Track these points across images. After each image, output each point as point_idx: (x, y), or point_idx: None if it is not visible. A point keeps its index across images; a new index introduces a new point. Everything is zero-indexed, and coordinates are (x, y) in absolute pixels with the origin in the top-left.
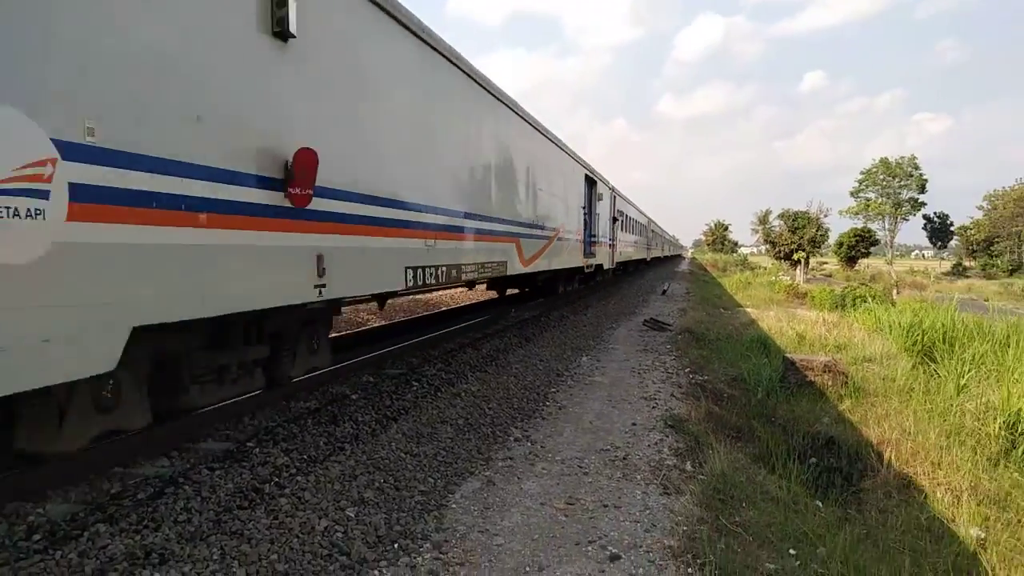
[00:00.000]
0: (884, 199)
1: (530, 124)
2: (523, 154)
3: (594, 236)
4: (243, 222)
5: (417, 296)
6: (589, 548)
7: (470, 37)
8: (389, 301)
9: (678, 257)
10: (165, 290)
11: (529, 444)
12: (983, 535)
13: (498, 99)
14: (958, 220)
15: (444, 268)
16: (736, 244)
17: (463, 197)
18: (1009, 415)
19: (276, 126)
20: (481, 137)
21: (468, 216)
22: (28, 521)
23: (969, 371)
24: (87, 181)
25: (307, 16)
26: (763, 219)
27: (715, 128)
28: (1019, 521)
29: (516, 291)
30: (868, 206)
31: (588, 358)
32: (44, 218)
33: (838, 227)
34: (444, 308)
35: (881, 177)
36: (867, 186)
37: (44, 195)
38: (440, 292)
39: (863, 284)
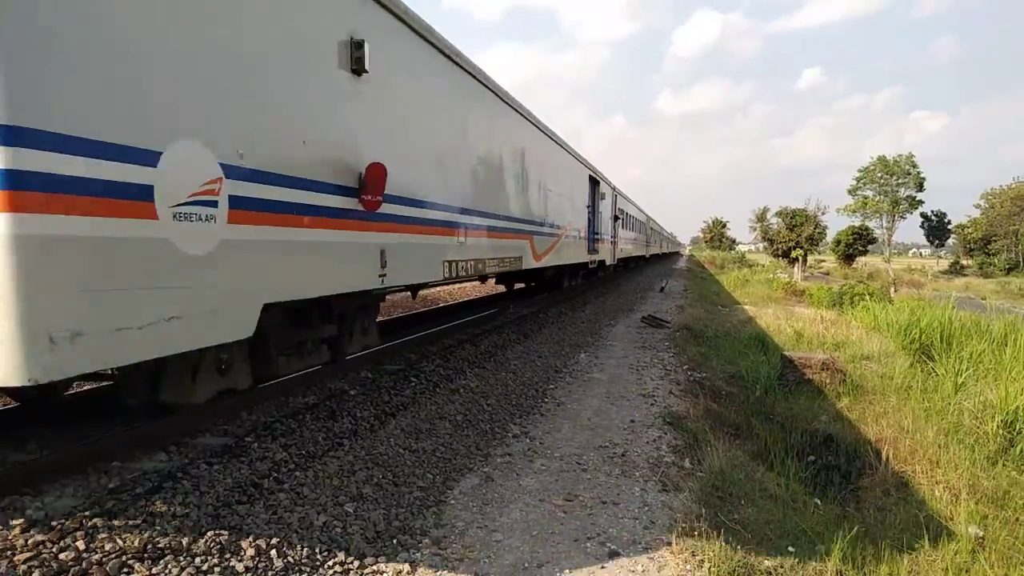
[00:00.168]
0: (882, 197)
1: (541, 130)
2: (536, 159)
3: (597, 234)
4: (330, 223)
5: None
6: (588, 544)
7: (466, 31)
8: (410, 293)
9: (676, 254)
10: (284, 276)
11: (528, 440)
12: (981, 533)
13: (515, 109)
14: (956, 218)
15: (472, 262)
16: (734, 241)
17: (488, 199)
18: (1007, 413)
19: (353, 145)
20: (502, 145)
21: (491, 216)
22: (27, 515)
23: (967, 369)
24: (239, 194)
25: (376, 54)
26: (761, 216)
27: (713, 125)
28: (1017, 519)
29: (523, 285)
30: (866, 204)
31: (586, 355)
32: (214, 222)
33: (836, 225)
34: (442, 304)
35: (879, 175)
36: (865, 184)
37: (215, 204)
38: (437, 288)
39: (861, 282)
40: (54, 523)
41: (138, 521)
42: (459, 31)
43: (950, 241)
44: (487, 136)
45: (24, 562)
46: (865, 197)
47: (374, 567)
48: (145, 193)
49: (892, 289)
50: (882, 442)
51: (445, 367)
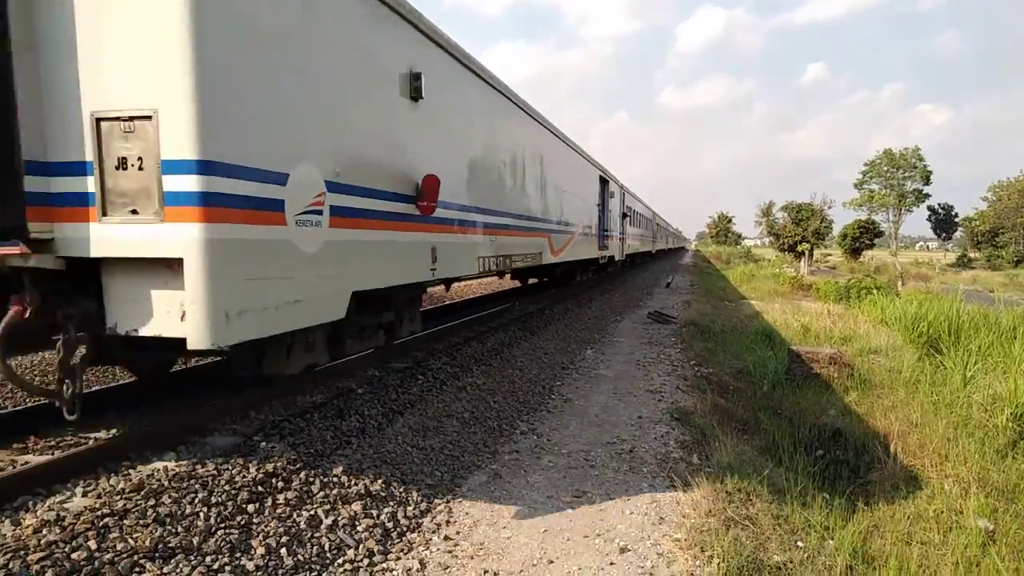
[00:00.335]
0: (888, 191)
1: (556, 136)
2: (553, 162)
3: (607, 231)
4: (396, 226)
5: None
6: (597, 541)
7: (470, 29)
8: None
9: (682, 250)
10: (365, 269)
11: (535, 437)
12: (992, 527)
13: (534, 119)
14: (963, 211)
15: (501, 258)
16: (740, 236)
17: (513, 202)
18: (1017, 406)
19: (412, 160)
20: (525, 152)
21: (516, 217)
22: (39, 515)
23: (975, 362)
24: (336, 204)
25: (429, 83)
26: (767, 211)
27: (718, 120)
28: None
29: (535, 280)
30: (872, 197)
31: (593, 351)
32: (321, 226)
33: (842, 219)
34: (447, 302)
35: (885, 168)
36: (871, 177)
37: (321, 212)
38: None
39: (868, 276)
40: (66, 523)
41: (149, 520)
42: (463, 30)
43: (957, 234)
44: (512, 145)
45: (37, 562)
46: (871, 191)
47: (383, 565)
48: (279, 205)
49: (899, 283)
50: (891, 436)
51: (452, 365)
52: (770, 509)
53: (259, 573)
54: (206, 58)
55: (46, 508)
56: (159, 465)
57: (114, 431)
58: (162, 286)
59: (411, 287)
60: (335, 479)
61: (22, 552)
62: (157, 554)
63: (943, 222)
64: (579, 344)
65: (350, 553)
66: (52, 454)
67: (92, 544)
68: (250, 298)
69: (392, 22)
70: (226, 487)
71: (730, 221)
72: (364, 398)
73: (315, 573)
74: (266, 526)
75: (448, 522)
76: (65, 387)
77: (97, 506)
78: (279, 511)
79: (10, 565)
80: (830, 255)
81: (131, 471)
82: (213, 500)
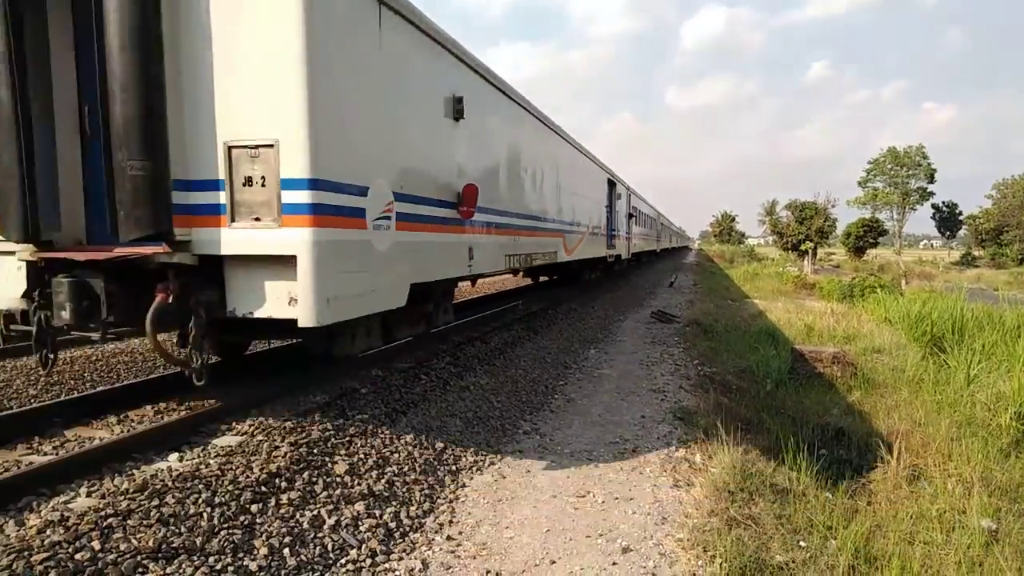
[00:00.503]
0: (892, 189)
1: (569, 143)
2: (566, 167)
3: (614, 231)
4: (442, 228)
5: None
6: (600, 541)
7: (472, 29)
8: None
9: (685, 249)
10: (420, 265)
11: (538, 437)
12: (995, 527)
13: (550, 128)
14: (967, 209)
15: (523, 256)
16: (743, 235)
17: (533, 205)
18: (1021, 405)
19: (454, 172)
20: (543, 159)
21: (535, 218)
22: (43, 515)
23: (979, 361)
24: (400, 211)
25: (468, 104)
26: (770, 210)
27: (721, 119)
28: None
29: (546, 278)
30: (876, 196)
31: (596, 351)
32: (390, 230)
33: (846, 217)
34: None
35: (889, 167)
36: (875, 176)
37: (390, 218)
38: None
39: (871, 274)
40: (70, 523)
41: (152, 520)
42: (465, 30)
43: (961, 232)
44: (533, 154)
45: (41, 562)
46: (875, 189)
47: (386, 565)
48: (362, 213)
49: (903, 281)
50: (894, 435)
51: (455, 364)
52: (773, 509)
53: (262, 573)
54: (315, 101)
55: (50, 508)
56: (163, 465)
57: (119, 430)
58: (275, 277)
59: (448, 281)
60: (338, 479)
61: (26, 552)
62: (160, 554)
63: (947, 220)
64: (582, 344)
65: (353, 553)
66: (56, 454)
67: (96, 544)
68: (342, 287)
69: (439, 54)
70: (229, 487)
71: (733, 220)
72: (367, 398)
73: (318, 573)
74: (269, 526)
75: (451, 522)
76: (195, 359)
77: (101, 506)
78: (282, 511)
79: (14, 566)
80: (834, 254)
81: (135, 471)
82: (216, 500)
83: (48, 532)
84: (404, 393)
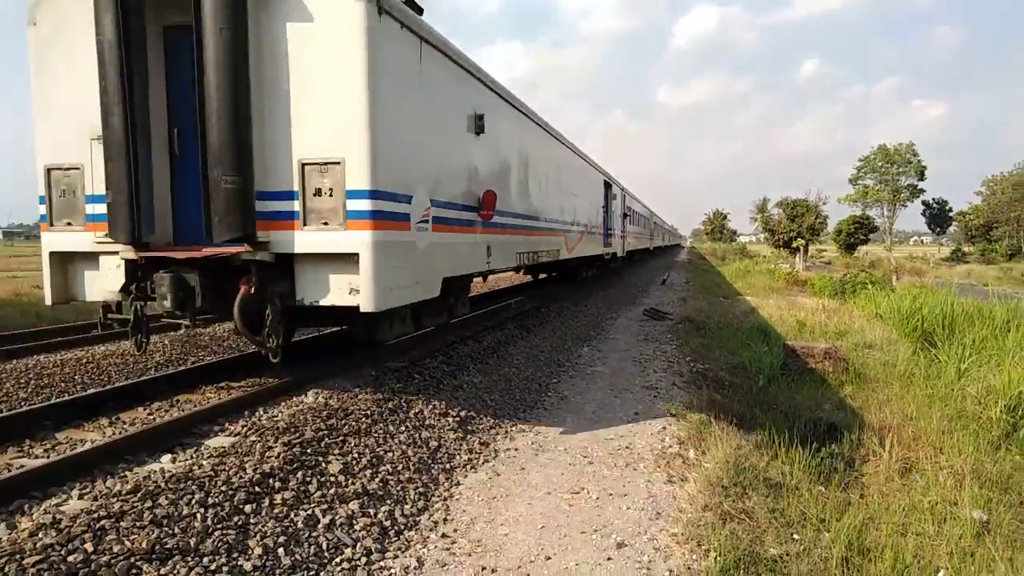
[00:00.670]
0: (883, 186)
1: (570, 148)
2: (567, 172)
3: (610, 230)
4: (466, 230)
5: None
6: (595, 536)
7: (464, 28)
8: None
9: (677, 247)
10: (450, 261)
11: (533, 435)
12: (986, 518)
13: (553, 135)
14: (957, 206)
15: (532, 253)
16: (735, 233)
17: (540, 207)
18: (1010, 398)
19: (476, 179)
20: (548, 165)
21: (542, 220)
22: (35, 518)
23: (970, 356)
24: (436, 215)
25: (488, 120)
26: (761, 207)
27: (713, 117)
28: (1021, 503)
29: (545, 276)
30: (867, 193)
31: (589, 348)
32: (428, 231)
33: (837, 214)
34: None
35: (880, 164)
36: (866, 173)
37: (428, 221)
38: None
39: (863, 271)
40: (62, 525)
41: (145, 522)
42: (456, 29)
43: (951, 228)
44: (540, 160)
45: (33, 565)
46: (866, 186)
47: (381, 563)
48: (407, 218)
49: (894, 277)
50: (885, 429)
51: (448, 363)
52: (766, 503)
53: (257, 573)
54: (374, 126)
55: (42, 511)
56: (155, 467)
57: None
58: (339, 272)
59: (468, 276)
60: (332, 478)
61: (18, 556)
62: (154, 556)
63: (937, 217)
64: (575, 342)
65: (348, 552)
66: (48, 457)
67: (88, 547)
68: (394, 279)
69: (464, 78)
70: (223, 488)
71: (725, 218)
72: (360, 398)
73: (313, 572)
74: (263, 526)
75: (446, 520)
76: (271, 340)
77: (93, 508)
78: (276, 511)
79: (6, 569)
80: (825, 251)
81: (127, 473)
82: (210, 501)
83: (40, 535)
84: (396, 393)
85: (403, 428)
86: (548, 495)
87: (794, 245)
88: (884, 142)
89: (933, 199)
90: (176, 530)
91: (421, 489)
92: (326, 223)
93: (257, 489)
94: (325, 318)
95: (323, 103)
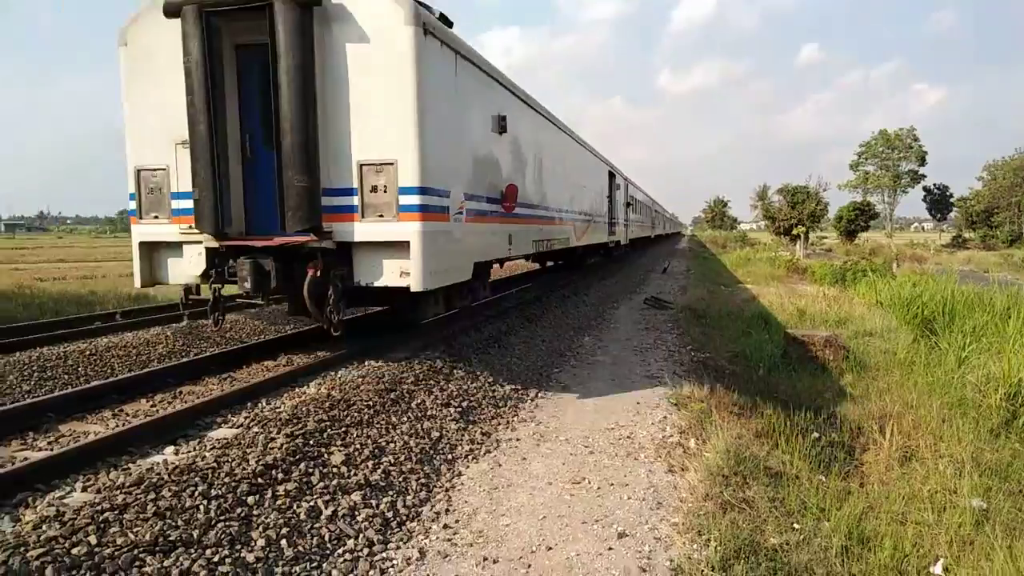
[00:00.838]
0: (883, 172)
1: (578, 142)
2: (576, 164)
3: (614, 219)
4: (491, 219)
5: None
6: (596, 526)
7: (462, 15)
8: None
9: (677, 235)
10: (479, 248)
11: (534, 425)
12: (985, 505)
13: (563, 130)
14: (958, 191)
15: (546, 241)
16: (735, 220)
17: (553, 199)
18: (1010, 386)
19: (499, 174)
20: (559, 159)
21: (554, 210)
22: (38, 511)
23: (970, 343)
24: (469, 207)
25: (510, 120)
26: (762, 195)
27: (713, 103)
28: (1021, 491)
29: (551, 264)
30: (867, 179)
31: (590, 338)
32: (462, 222)
33: (837, 201)
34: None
35: (880, 149)
36: (866, 159)
37: (462, 213)
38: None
39: (863, 258)
40: (66, 518)
41: (149, 514)
42: (454, 16)
43: (952, 214)
44: (552, 154)
45: (37, 558)
46: (867, 172)
47: (383, 554)
48: (446, 210)
49: (895, 264)
50: (886, 417)
51: (449, 354)
52: (766, 492)
53: (259, 565)
54: (422, 131)
55: (45, 504)
56: (159, 459)
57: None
58: (392, 257)
59: (492, 262)
60: (334, 470)
61: (22, 548)
62: (157, 548)
63: (938, 202)
64: (576, 331)
65: (350, 543)
66: (51, 449)
67: (92, 539)
68: (437, 263)
69: (489, 84)
70: (226, 479)
71: (726, 205)
72: (362, 389)
73: (315, 563)
74: (266, 518)
75: (447, 510)
76: (333, 316)
77: (97, 501)
78: (279, 503)
79: (10, 562)
80: (825, 238)
81: (131, 465)
82: (213, 493)
83: (44, 527)
84: (398, 384)
85: (405, 419)
86: (549, 485)
87: (795, 232)
88: (884, 127)
89: (934, 184)
90: (179, 522)
91: (423, 480)
92: (381, 215)
93: (260, 481)
94: (376, 298)
95: (378, 112)
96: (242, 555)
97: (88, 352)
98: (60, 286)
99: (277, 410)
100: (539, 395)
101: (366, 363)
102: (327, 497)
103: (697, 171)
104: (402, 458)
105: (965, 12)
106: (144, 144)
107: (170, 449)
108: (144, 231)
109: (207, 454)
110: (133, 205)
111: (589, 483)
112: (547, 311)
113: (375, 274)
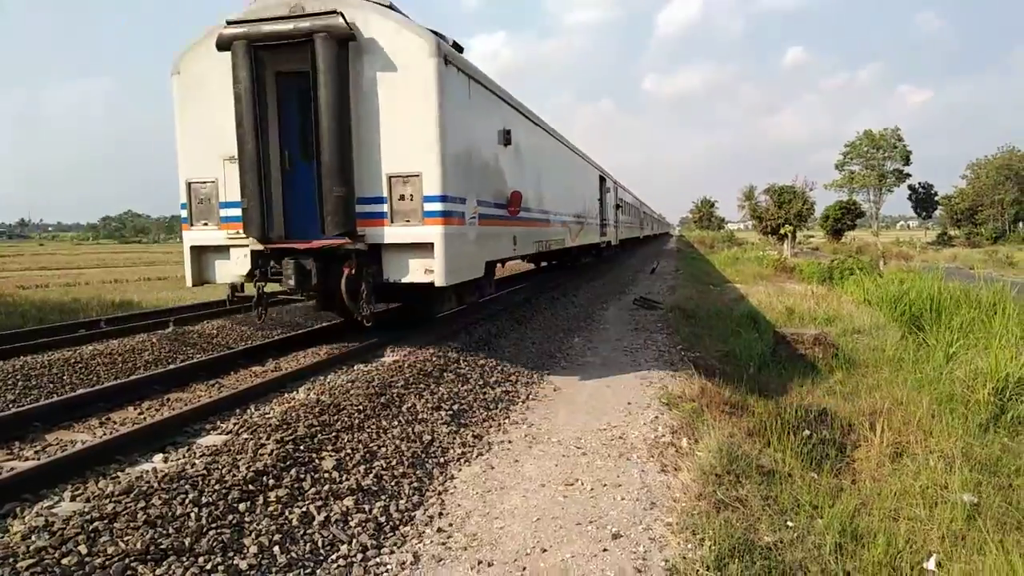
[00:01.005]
0: (869, 171)
1: (571, 149)
2: (569, 169)
3: (605, 221)
4: (498, 222)
5: None
6: (590, 528)
7: (452, 19)
8: None
9: (665, 235)
10: (489, 248)
11: (526, 427)
12: (976, 500)
13: (557, 139)
14: (943, 190)
15: (547, 242)
16: (723, 220)
17: (551, 202)
18: (998, 381)
19: (505, 181)
20: (555, 165)
21: (552, 214)
22: (27, 521)
23: (957, 339)
24: (480, 212)
25: (514, 133)
26: (749, 195)
27: (700, 106)
28: (1011, 485)
29: (546, 264)
30: (853, 179)
31: (580, 339)
32: (476, 225)
33: (824, 200)
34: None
35: (865, 149)
36: (852, 159)
37: (476, 217)
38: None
39: (850, 256)
40: (55, 528)
41: (139, 523)
42: (440, 23)
43: (937, 212)
44: (550, 161)
45: (26, 568)
46: (852, 172)
47: (377, 559)
48: (463, 216)
49: (881, 262)
50: (876, 414)
51: (438, 355)
52: (759, 490)
53: (253, 572)
54: (443, 147)
55: (34, 514)
56: (148, 467)
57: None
58: (417, 257)
59: (497, 262)
60: (326, 475)
61: (11, 559)
62: (149, 556)
63: (923, 201)
64: (566, 332)
65: (344, 548)
66: (39, 459)
67: (83, 548)
68: (456, 262)
69: (496, 102)
70: (216, 487)
71: (713, 206)
72: (352, 392)
73: (309, 570)
74: (258, 524)
75: (441, 514)
76: (365, 309)
77: (86, 510)
78: (271, 509)
79: None
80: (812, 237)
81: (120, 473)
82: (204, 500)
83: (33, 538)
84: (389, 387)
85: (396, 423)
86: (543, 487)
87: (782, 232)
88: (869, 127)
89: (919, 183)
90: (170, 530)
91: (415, 484)
92: (408, 220)
93: (251, 487)
94: (400, 294)
95: (405, 131)
96: (235, 562)
97: (73, 360)
98: (42, 294)
99: (266, 416)
100: (530, 397)
101: (355, 367)
102: (319, 503)
103: (685, 172)
104: (394, 462)
105: (948, 13)
106: (195, 160)
107: (159, 457)
108: (195, 236)
109: (197, 461)
110: (184, 214)
111: (582, 484)
112: (537, 313)
113: (402, 272)
